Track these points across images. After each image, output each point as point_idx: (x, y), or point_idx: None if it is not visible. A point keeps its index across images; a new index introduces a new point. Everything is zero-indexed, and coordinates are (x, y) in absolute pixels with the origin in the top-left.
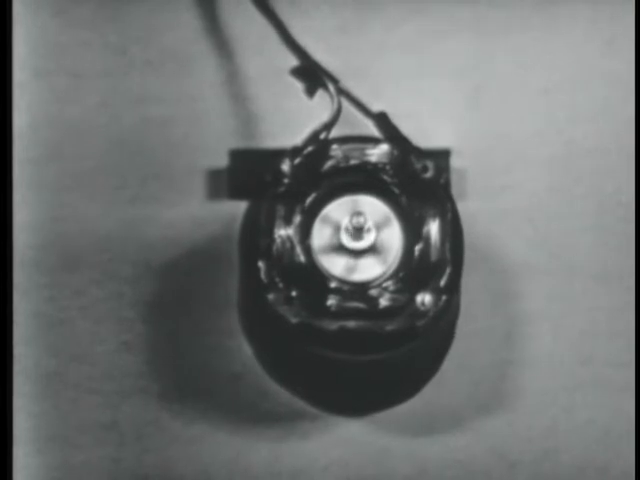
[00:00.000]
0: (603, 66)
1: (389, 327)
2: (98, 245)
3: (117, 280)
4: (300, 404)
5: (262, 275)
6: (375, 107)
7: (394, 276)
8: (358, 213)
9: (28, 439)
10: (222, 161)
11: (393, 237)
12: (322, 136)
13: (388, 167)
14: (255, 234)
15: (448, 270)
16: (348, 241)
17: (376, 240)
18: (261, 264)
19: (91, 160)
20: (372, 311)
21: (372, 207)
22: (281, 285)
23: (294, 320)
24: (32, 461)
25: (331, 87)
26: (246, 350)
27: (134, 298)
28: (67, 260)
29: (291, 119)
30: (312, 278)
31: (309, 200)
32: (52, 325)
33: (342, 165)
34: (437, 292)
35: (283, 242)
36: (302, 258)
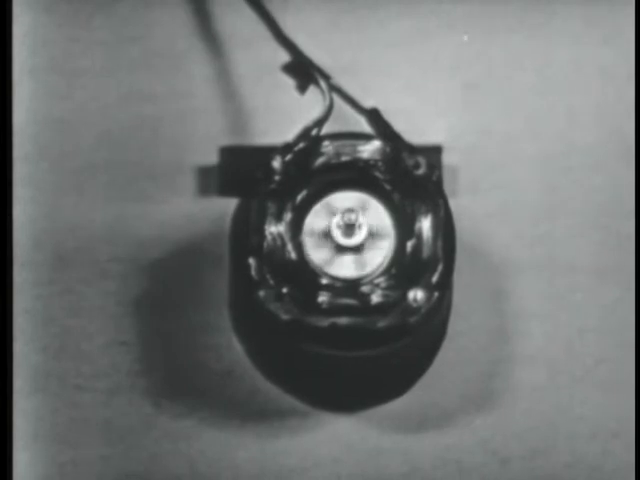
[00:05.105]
0: (598, 63)
1: (381, 324)
2: (88, 242)
3: (107, 278)
4: (291, 401)
5: (253, 272)
6: (367, 103)
7: (386, 272)
8: (349, 210)
9: (17, 436)
10: (213, 158)
11: (385, 234)
12: (313, 132)
13: (380, 164)
14: (246, 231)
15: (440, 267)
16: (340, 238)
17: (368, 237)
18: (252, 261)
19: (81, 157)
20: (364, 307)
21: (363, 204)
22: (272, 282)
23: (285, 317)
24: (21, 458)
25: (323, 83)
26: (237, 347)
27: (124, 296)
28: (56, 258)
29: (282, 116)
30: (303, 275)
31: (300, 197)
32: (42, 323)
33: (333, 162)
34: (429, 289)
35: (274, 239)
36: (293, 255)
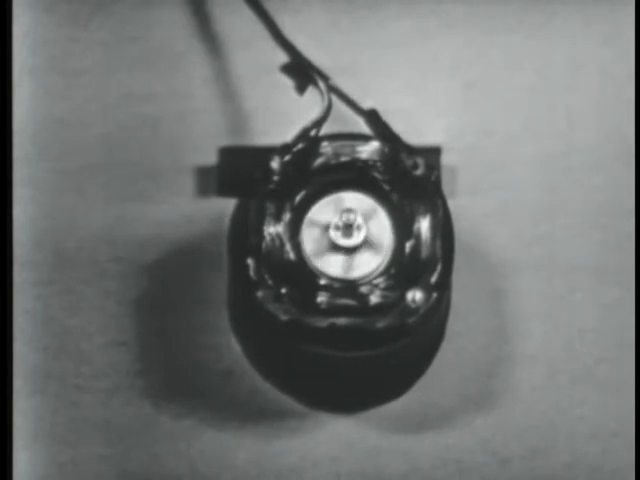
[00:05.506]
0: (598, 63)
1: (380, 324)
2: (87, 243)
3: (107, 278)
4: (289, 401)
5: (251, 272)
6: (366, 104)
7: (385, 273)
8: (348, 210)
9: (17, 436)
10: (212, 158)
11: (383, 234)
12: (312, 133)
13: (379, 164)
14: (244, 231)
15: (439, 267)
16: (338, 238)
17: (366, 237)
18: (250, 261)
19: (80, 157)
20: (362, 308)
21: (362, 204)
22: (270, 282)
23: (284, 317)
24: (21, 458)
25: (321, 84)
26: (235, 347)
27: (124, 296)
28: (56, 258)
29: (281, 116)
30: (302, 275)
31: (299, 197)
32: (42, 323)
33: (332, 162)
34: (428, 289)
35: (272, 239)
36: (291, 255)
